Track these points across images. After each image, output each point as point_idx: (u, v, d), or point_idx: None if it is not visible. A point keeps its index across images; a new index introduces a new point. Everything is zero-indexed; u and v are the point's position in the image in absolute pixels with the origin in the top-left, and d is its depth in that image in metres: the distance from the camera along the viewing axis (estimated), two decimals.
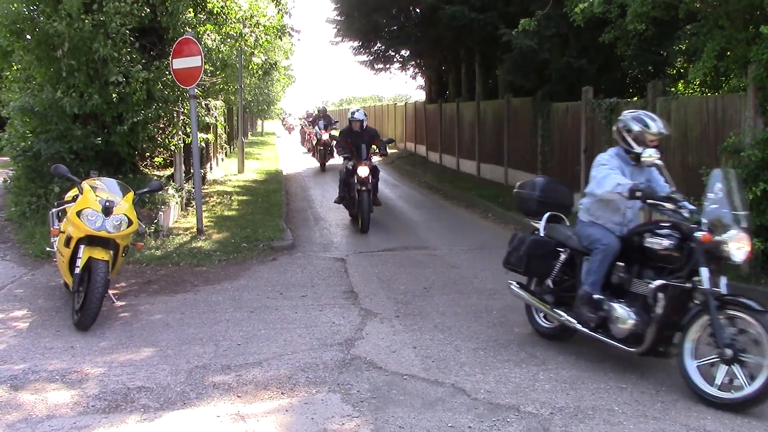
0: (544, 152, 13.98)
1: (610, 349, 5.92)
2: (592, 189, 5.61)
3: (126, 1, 10.30)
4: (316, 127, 23.67)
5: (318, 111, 26.28)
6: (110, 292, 6.83)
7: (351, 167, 11.86)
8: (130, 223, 6.63)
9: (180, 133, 12.73)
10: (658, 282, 5.14)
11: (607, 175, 5.48)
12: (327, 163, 22.99)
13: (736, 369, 4.73)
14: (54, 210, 7.63)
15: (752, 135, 7.68)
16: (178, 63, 10.42)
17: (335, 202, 12.70)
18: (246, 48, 15.37)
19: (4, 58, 11.19)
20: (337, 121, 26.24)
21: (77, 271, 6.39)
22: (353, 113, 12.49)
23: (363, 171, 11.51)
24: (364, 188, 11.47)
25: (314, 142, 25.06)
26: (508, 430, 4.47)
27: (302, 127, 35.18)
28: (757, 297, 7.25)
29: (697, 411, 4.71)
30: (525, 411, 4.72)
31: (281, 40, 18.58)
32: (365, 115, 12.58)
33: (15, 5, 10.33)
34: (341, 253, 9.98)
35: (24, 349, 5.96)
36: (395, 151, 30.34)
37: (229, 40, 13.61)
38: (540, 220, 6.27)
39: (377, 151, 12.21)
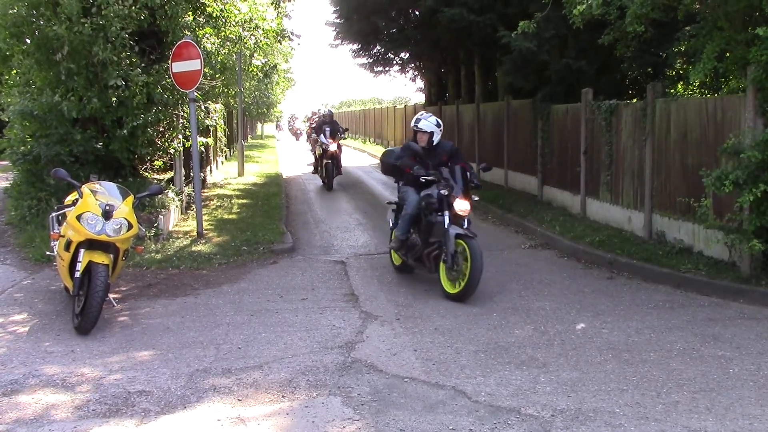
0: (544, 154, 13.97)
1: (611, 351, 5.93)
2: None
3: (125, 4, 10.31)
4: (321, 136, 18.45)
5: (323, 115, 20.48)
6: (110, 295, 6.83)
7: (436, 198, 7.89)
8: (130, 226, 6.63)
9: (180, 136, 12.74)
10: None
11: None
12: (335, 180, 18.68)
13: None
14: (54, 214, 7.63)
15: (752, 136, 7.68)
16: (178, 66, 10.42)
17: (391, 248, 8.72)
18: (245, 51, 15.38)
19: (4, 62, 11.19)
20: (346, 129, 21.37)
21: (77, 275, 6.40)
22: (418, 121, 8.46)
23: (462, 206, 7.78)
24: (468, 233, 7.68)
25: (318, 154, 19.53)
26: None
27: (309, 133, 28.82)
28: (758, 298, 7.31)
29: (698, 413, 4.70)
30: (526, 413, 4.72)
31: (281, 43, 18.56)
32: (439, 125, 8.45)
33: (15, 8, 10.34)
34: (341, 256, 9.98)
35: (24, 353, 5.96)
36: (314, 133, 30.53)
37: (228, 43, 13.62)
38: None
39: (472, 182, 8.15)
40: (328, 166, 18.29)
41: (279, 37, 15.88)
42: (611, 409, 4.77)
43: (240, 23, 13.31)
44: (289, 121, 60.81)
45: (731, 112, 8.38)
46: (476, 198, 8.69)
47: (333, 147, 17.97)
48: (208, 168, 18.78)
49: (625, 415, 4.69)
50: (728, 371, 5.45)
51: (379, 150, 32.83)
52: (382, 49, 24.15)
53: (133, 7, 10.42)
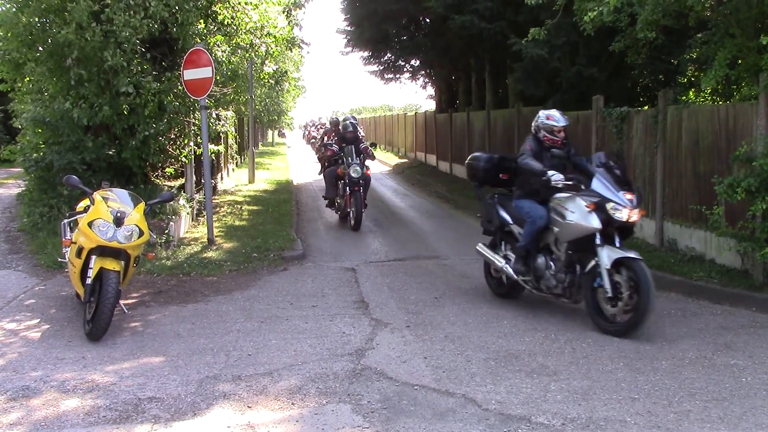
0: None
1: (622, 360, 5.89)
2: None
3: (136, 17, 10.34)
4: (502, 212, 7.92)
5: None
6: (121, 302, 6.85)
7: None
8: (141, 233, 6.65)
9: (191, 143, 12.79)
10: None
11: None
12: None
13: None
14: (66, 221, 7.67)
15: (764, 143, 7.64)
16: (189, 74, 10.47)
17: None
18: (256, 58, 15.44)
19: (17, 70, 11.29)
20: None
21: (89, 281, 6.42)
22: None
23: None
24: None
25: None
26: None
27: (320, 150, 19.28)
28: None
29: (710, 422, 4.66)
30: (536, 422, 4.70)
31: (291, 51, 18.63)
32: None
33: (25, 17, 10.43)
34: (352, 263, 9.97)
35: (36, 359, 5.98)
36: (405, 160, 30.30)
37: (239, 50, 13.68)
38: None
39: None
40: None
41: (290, 45, 15.92)
42: (622, 418, 4.74)
43: (251, 31, 13.37)
44: (306, 130, 46.31)
45: (743, 119, 8.34)
46: None
47: None
48: (219, 175, 18.84)
49: (636, 424, 4.65)
50: (741, 380, 5.41)
51: (390, 157, 32.89)
52: (393, 57, 24.26)
53: (144, 20, 10.45)
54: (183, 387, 5.34)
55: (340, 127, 14.08)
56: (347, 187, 12.80)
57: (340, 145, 13.39)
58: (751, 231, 7.82)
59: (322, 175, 19.07)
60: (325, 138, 18.52)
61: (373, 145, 13.93)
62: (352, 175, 12.57)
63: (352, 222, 12.57)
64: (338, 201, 13.49)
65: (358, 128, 14.13)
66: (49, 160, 10.78)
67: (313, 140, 34.96)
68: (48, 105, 11.03)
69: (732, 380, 5.41)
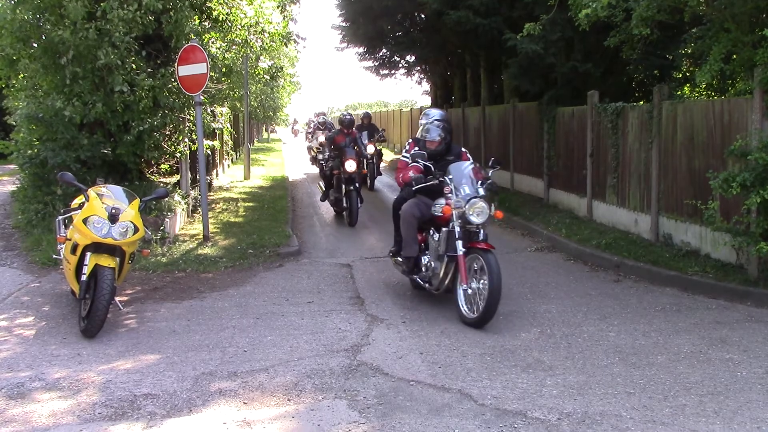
0: (550, 157, 13.94)
1: (617, 354, 5.90)
2: None
3: (130, 9, 10.30)
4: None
5: None
6: (117, 299, 6.83)
7: None
8: (136, 230, 6.64)
9: (186, 140, 12.75)
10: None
11: None
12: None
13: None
14: (61, 217, 7.66)
15: (759, 138, 7.65)
16: (184, 70, 10.43)
17: None
18: (251, 54, 15.39)
19: (11, 67, 11.23)
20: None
21: (84, 278, 6.40)
22: None
23: None
24: None
25: None
26: None
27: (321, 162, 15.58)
28: (765, 301, 7.28)
29: (706, 416, 4.67)
30: (532, 417, 4.70)
31: (287, 46, 18.57)
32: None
33: (20, 14, 10.37)
34: (347, 259, 9.97)
35: (30, 356, 5.97)
36: (401, 156, 30.22)
37: (234, 47, 13.63)
38: None
39: None
40: None
41: (285, 40, 15.86)
42: (618, 413, 4.75)
43: (246, 27, 13.32)
44: (310, 129, 35.07)
45: (738, 114, 8.35)
46: None
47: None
48: (215, 171, 18.81)
49: (632, 418, 4.66)
50: (736, 374, 5.42)
51: (386, 153, 32.79)
52: (388, 53, 24.23)
53: (138, 12, 10.42)
54: (179, 383, 5.34)
55: (419, 134, 8.36)
56: (457, 242, 6.85)
57: (428, 163, 7.77)
58: (746, 226, 7.83)
59: (328, 201, 13.94)
60: (323, 149, 13.83)
61: (498, 164, 7.97)
62: (473, 219, 6.84)
63: (475, 316, 6.69)
64: (429, 263, 7.44)
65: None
66: (44, 157, 10.74)
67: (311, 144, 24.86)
68: (42, 102, 10.98)
69: (727, 374, 5.42)
